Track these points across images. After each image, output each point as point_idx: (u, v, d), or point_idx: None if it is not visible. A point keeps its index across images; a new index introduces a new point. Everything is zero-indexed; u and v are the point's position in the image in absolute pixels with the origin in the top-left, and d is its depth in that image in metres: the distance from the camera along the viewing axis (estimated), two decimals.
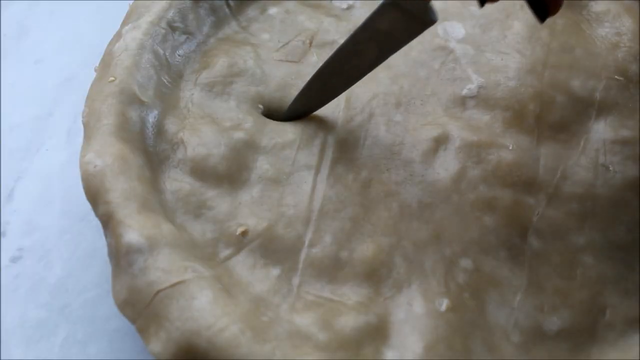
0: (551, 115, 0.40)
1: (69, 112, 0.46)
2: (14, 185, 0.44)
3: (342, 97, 0.41)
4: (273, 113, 0.41)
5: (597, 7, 0.44)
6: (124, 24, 0.42)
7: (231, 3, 0.44)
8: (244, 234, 0.36)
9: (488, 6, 0.44)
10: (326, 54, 0.43)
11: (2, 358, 0.37)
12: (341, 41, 0.43)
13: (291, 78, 0.42)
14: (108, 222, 0.34)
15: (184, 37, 0.42)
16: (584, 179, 0.37)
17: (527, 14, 0.43)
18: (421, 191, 0.37)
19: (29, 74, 0.48)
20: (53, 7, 0.53)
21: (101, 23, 0.46)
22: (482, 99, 0.40)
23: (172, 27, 0.42)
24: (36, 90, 0.47)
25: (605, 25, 0.43)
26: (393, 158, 0.38)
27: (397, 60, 0.42)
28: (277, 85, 0.42)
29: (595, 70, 0.41)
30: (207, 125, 0.39)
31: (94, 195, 0.35)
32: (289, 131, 0.39)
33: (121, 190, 0.35)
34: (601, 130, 0.39)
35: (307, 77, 0.41)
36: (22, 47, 0.50)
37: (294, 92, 0.41)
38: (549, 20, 0.42)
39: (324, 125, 0.40)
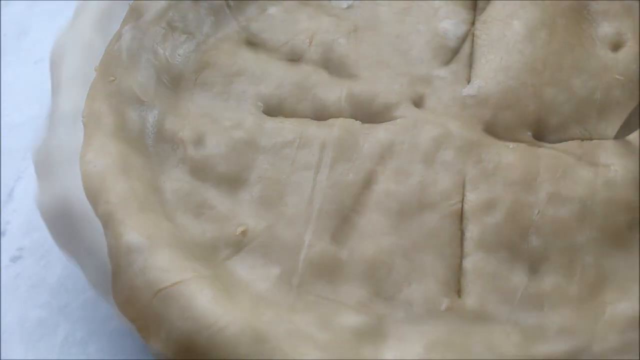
0: (551, 115, 0.40)
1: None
2: (14, 185, 0.44)
3: (343, 95, 0.41)
4: (273, 111, 0.41)
5: (597, 7, 0.44)
6: (124, 23, 0.42)
7: (231, 3, 0.44)
8: (244, 233, 0.36)
9: (488, 6, 0.43)
10: (325, 53, 0.43)
11: (2, 358, 0.37)
12: (341, 40, 0.44)
13: (291, 76, 0.42)
14: (108, 221, 0.34)
15: (183, 37, 0.42)
16: (584, 178, 0.37)
17: (527, 13, 0.43)
18: (421, 191, 0.37)
19: (29, 74, 0.48)
20: (53, 7, 0.53)
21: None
22: (482, 99, 0.40)
23: (171, 27, 0.42)
24: (36, 90, 0.48)
25: (605, 25, 0.43)
26: (393, 157, 0.38)
27: (397, 59, 0.42)
28: (277, 84, 0.41)
29: (596, 70, 0.41)
30: (207, 125, 0.39)
31: (94, 195, 0.35)
32: (288, 130, 0.39)
33: (121, 190, 0.35)
34: (602, 129, 0.39)
35: (307, 76, 0.41)
36: (22, 47, 0.51)
37: (294, 90, 0.41)
38: (548, 20, 0.42)
39: (324, 124, 0.40)
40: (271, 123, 0.40)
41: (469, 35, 0.43)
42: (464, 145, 0.38)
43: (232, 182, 0.38)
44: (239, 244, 0.36)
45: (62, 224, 0.35)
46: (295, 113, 0.41)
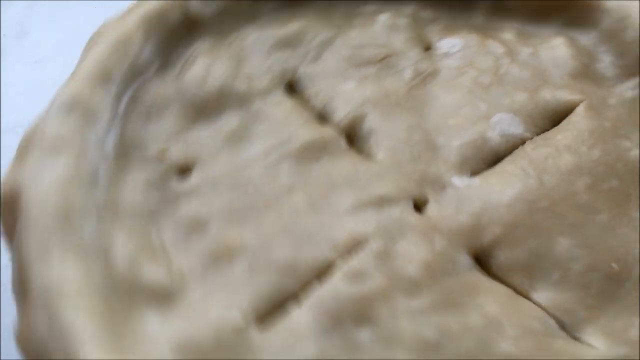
0: (507, 250, 0.38)
1: None
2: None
3: (351, 120, 0.42)
4: (292, 90, 0.43)
5: None
6: None
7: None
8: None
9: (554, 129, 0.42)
10: (385, 74, 0.43)
11: (2, 358, 0.38)
12: (374, 115, 0.42)
13: (334, 74, 0.43)
14: None
15: None
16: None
17: (585, 155, 0.41)
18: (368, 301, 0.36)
19: (29, 74, 0.50)
20: (53, 7, 0.54)
21: (101, 23, 0.47)
22: (464, 198, 0.39)
23: None
24: (36, 90, 0.47)
25: None
26: (330, 187, 0.39)
27: (424, 152, 0.41)
28: (319, 72, 0.44)
29: (599, 246, 0.38)
30: (224, 63, 0.43)
31: None
32: (281, 114, 0.42)
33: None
34: (542, 296, 0.37)
35: (348, 82, 0.43)
36: (22, 47, 0.52)
37: (323, 85, 0.43)
38: (600, 173, 0.40)
39: (313, 127, 0.42)
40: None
41: (513, 154, 0.41)
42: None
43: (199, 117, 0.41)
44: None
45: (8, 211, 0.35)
46: None
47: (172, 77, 0.42)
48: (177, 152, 0.40)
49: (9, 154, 0.43)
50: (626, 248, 0.38)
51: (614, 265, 0.37)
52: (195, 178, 0.40)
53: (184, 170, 0.40)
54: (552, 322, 0.36)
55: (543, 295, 0.37)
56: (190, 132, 0.41)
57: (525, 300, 0.37)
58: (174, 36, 0.43)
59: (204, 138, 0.41)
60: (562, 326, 0.36)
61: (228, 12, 0.45)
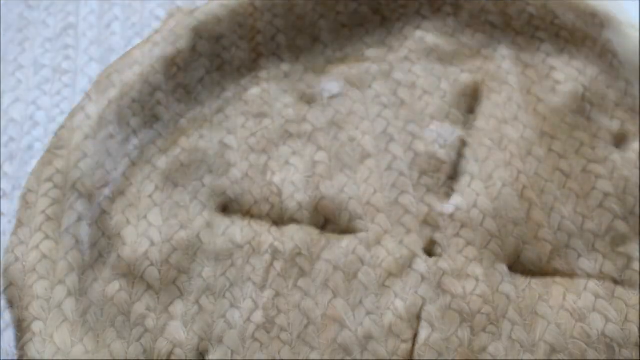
0: (532, 251, 0.38)
1: (68, 112, 0.46)
2: (14, 185, 0.44)
3: (310, 203, 0.39)
4: (231, 207, 0.39)
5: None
6: (86, 95, 0.41)
7: (206, 79, 0.42)
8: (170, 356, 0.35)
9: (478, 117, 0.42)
10: (301, 145, 0.41)
11: (2, 358, 0.37)
12: (318, 134, 0.40)
13: (254, 171, 0.40)
14: (21, 327, 0.34)
15: (149, 114, 0.41)
16: (555, 331, 0.36)
17: (524, 124, 0.42)
18: (372, 324, 0.36)
19: (29, 74, 0.49)
20: (53, 7, 0.53)
21: (101, 23, 0.49)
22: (461, 220, 0.39)
23: (139, 104, 0.39)
24: (36, 90, 0.48)
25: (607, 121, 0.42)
26: (348, 279, 0.37)
27: (395, 198, 0.39)
28: (239, 178, 0.39)
29: (594, 203, 0.39)
30: (152, 220, 0.38)
31: (12, 297, 0.35)
32: (239, 236, 0.38)
33: (40, 298, 0.35)
34: (588, 265, 0.38)
35: (275, 171, 0.40)
36: (22, 47, 0.51)
37: (254, 187, 0.39)
38: (548, 130, 0.40)
39: (280, 232, 0.38)
40: (223, 224, 0.39)
41: (465, 158, 0.41)
42: (429, 272, 0.37)
43: (167, 291, 0.36)
44: None
45: None
46: None
47: (109, 271, 0.37)
48: (186, 338, 0.35)
49: (9, 153, 0.45)
50: (616, 176, 0.39)
51: (615, 205, 0.39)
52: (216, 352, 0.35)
53: (203, 351, 0.35)
54: (608, 283, 0.37)
55: (585, 266, 0.38)
56: (172, 320, 0.36)
57: (579, 280, 0.37)
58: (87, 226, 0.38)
59: (194, 314, 0.36)
60: (619, 282, 0.37)
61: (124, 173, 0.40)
